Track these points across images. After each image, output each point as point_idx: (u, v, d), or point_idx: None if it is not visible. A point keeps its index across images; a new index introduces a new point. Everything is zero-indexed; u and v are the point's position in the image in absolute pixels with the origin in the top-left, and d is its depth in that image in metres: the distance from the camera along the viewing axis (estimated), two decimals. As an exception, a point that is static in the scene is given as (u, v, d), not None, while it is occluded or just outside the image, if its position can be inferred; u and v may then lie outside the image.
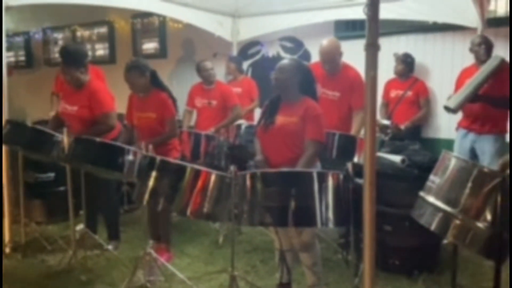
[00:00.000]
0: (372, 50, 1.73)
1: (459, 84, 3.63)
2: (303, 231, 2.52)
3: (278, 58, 5.59)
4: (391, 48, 4.40)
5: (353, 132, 3.25)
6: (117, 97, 3.49)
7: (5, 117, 3.43)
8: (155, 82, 3.23)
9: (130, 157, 2.82)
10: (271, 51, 5.72)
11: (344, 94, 3.33)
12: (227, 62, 5.04)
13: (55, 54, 7.86)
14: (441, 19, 4.21)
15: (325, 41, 3.35)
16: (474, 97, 3.33)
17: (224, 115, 4.22)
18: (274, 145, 2.57)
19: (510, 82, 3.14)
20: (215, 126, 4.07)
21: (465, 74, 3.65)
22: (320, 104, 2.67)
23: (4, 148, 3.53)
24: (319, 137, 2.53)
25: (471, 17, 4.01)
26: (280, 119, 2.57)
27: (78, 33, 7.24)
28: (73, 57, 3.28)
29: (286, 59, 2.71)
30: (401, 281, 2.91)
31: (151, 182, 2.40)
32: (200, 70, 4.27)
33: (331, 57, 3.29)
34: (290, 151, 2.52)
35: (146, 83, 3.17)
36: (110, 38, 6.98)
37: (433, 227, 2.06)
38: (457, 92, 3.48)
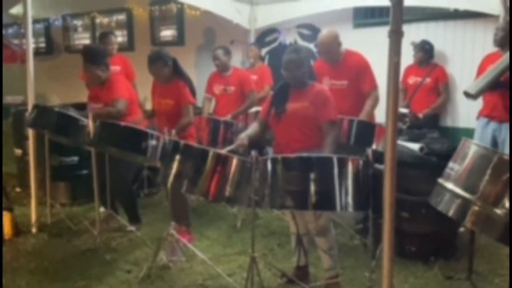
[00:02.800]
0: (396, 37, 1.75)
1: (481, 70, 3.59)
2: (321, 216, 2.57)
3: (293, 45, 5.59)
4: (410, 35, 4.37)
5: (363, 112, 3.27)
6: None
7: (31, 101, 3.55)
8: (176, 70, 3.30)
9: (153, 141, 2.90)
10: (289, 38, 5.71)
11: (352, 80, 3.36)
12: (249, 46, 5.05)
13: (75, 41, 7.99)
14: (462, 6, 4.15)
15: (323, 32, 3.40)
16: (495, 84, 3.31)
17: (242, 101, 4.26)
18: (288, 131, 2.64)
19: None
20: (232, 113, 4.13)
21: (488, 60, 3.60)
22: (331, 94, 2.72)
23: (31, 131, 3.67)
24: (334, 117, 2.64)
25: (493, 4, 3.95)
26: (292, 105, 2.64)
27: (97, 20, 7.33)
28: (93, 56, 3.40)
29: (291, 52, 2.68)
30: (417, 267, 2.95)
31: (175, 165, 2.47)
32: (213, 58, 4.32)
33: (327, 48, 3.33)
34: (302, 135, 2.61)
35: (170, 72, 3.27)
36: (129, 25, 7.05)
37: (451, 213, 2.08)
38: (478, 78, 3.45)
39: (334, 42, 3.32)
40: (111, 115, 3.29)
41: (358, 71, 3.35)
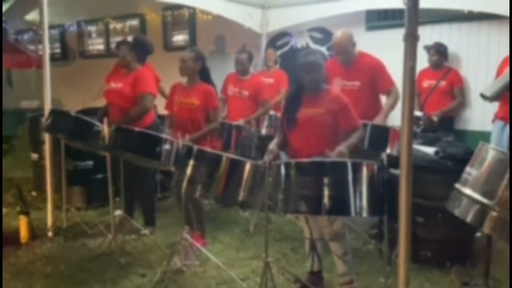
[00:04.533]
0: (412, 41, 1.73)
1: (499, 72, 3.54)
2: (335, 220, 2.56)
3: (307, 49, 5.59)
4: (424, 38, 4.31)
5: (383, 110, 3.30)
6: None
7: (48, 107, 3.61)
8: (204, 76, 3.32)
9: (167, 146, 2.93)
10: (300, 42, 5.71)
11: (364, 82, 3.35)
12: (267, 49, 5.07)
13: (89, 46, 8.10)
14: (476, 7, 4.10)
15: (338, 33, 3.42)
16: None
17: (254, 108, 4.24)
18: (303, 137, 2.62)
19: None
20: (244, 119, 4.13)
21: (506, 63, 3.55)
22: None
23: (47, 136, 3.73)
24: (357, 123, 2.64)
25: (507, 6, 3.88)
26: (306, 111, 2.62)
27: (111, 26, 7.44)
28: (139, 45, 3.69)
29: (308, 55, 2.67)
30: (432, 272, 2.91)
31: (189, 170, 2.49)
32: (236, 63, 4.30)
33: (344, 48, 3.35)
34: (319, 142, 2.58)
35: (195, 69, 3.26)
36: (142, 31, 7.12)
37: (468, 219, 2.05)
38: (495, 80, 3.40)
39: (349, 42, 3.34)
40: (140, 113, 3.40)
41: (373, 73, 3.35)
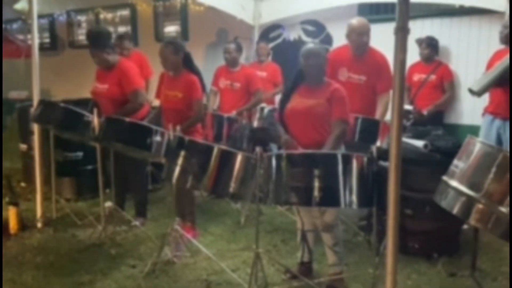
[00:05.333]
0: (402, 34, 1.74)
1: (489, 66, 3.57)
2: (326, 212, 2.58)
3: (299, 41, 5.57)
4: (415, 32, 4.34)
5: (377, 115, 3.27)
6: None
7: (37, 97, 3.57)
8: (188, 64, 3.29)
9: (158, 137, 2.92)
10: (292, 34, 5.69)
11: (370, 77, 3.32)
12: (259, 43, 5.04)
13: (79, 36, 7.98)
14: (468, 2, 4.13)
15: (355, 21, 3.35)
16: (499, 80, 3.29)
17: (246, 99, 4.25)
18: (301, 128, 2.61)
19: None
20: (237, 110, 4.13)
21: (496, 57, 3.57)
22: (345, 88, 2.70)
23: (36, 127, 3.69)
24: (345, 116, 2.60)
25: (498, 1, 3.92)
26: (306, 101, 2.61)
27: (101, 16, 7.32)
28: (96, 40, 3.39)
29: (310, 43, 2.73)
30: (420, 264, 2.96)
31: (180, 161, 2.49)
32: (224, 52, 4.30)
33: (367, 30, 3.28)
34: (317, 133, 2.58)
35: (178, 62, 3.23)
36: (133, 21, 7.04)
37: (455, 211, 2.09)
38: (483, 75, 3.44)
39: (368, 30, 3.29)
40: (134, 109, 3.36)
41: (380, 69, 3.30)
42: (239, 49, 4.28)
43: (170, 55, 3.19)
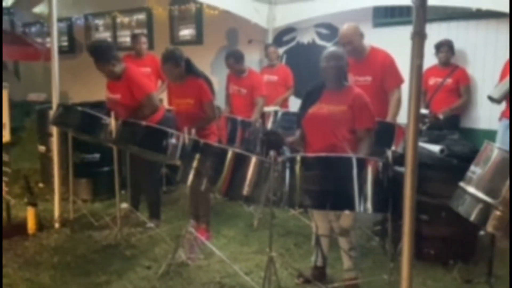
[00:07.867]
0: (419, 39, 1.73)
1: (504, 73, 3.53)
2: (342, 215, 2.58)
3: (313, 45, 5.58)
4: (431, 35, 4.29)
5: (390, 116, 3.26)
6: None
7: (56, 100, 3.64)
8: (190, 70, 3.32)
9: (173, 140, 2.95)
10: (306, 38, 5.70)
11: (376, 77, 3.33)
12: (268, 47, 5.06)
13: (96, 39, 8.13)
14: (485, 5, 4.07)
15: (344, 26, 3.39)
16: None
17: (254, 104, 4.30)
18: (320, 132, 2.60)
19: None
20: (247, 118, 4.13)
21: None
22: None
23: (54, 129, 3.77)
24: (372, 125, 2.59)
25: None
26: (327, 107, 2.60)
27: (118, 20, 7.46)
28: (99, 54, 3.38)
29: (331, 47, 2.74)
30: (435, 270, 2.93)
31: (194, 164, 2.51)
32: (226, 67, 4.39)
33: (348, 39, 3.29)
34: (336, 139, 2.56)
35: (181, 72, 3.28)
36: (149, 25, 7.15)
37: (472, 217, 2.07)
38: (502, 81, 3.39)
39: (354, 33, 3.30)
40: (152, 111, 3.40)
41: (384, 67, 3.32)
42: (237, 60, 4.30)
43: (173, 69, 3.25)
